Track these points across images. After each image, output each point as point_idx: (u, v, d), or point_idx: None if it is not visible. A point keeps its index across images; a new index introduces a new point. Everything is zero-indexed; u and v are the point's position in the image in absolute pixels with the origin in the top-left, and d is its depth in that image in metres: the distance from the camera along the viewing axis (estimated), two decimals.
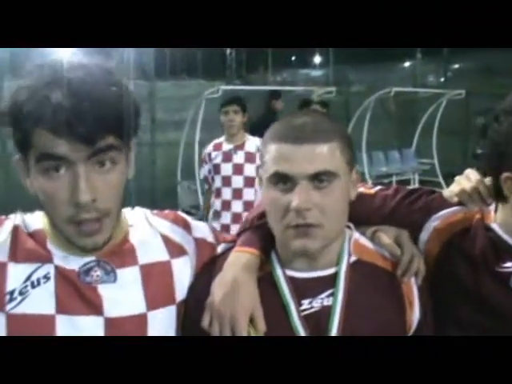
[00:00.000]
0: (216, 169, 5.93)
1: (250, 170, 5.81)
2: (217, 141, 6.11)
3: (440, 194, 1.72)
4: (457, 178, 1.70)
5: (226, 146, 5.95)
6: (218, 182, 5.92)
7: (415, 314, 1.55)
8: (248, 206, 5.69)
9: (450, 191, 1.68)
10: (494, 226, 1.62)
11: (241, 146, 5.90)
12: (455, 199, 1.66)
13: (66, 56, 1.34)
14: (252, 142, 5.84)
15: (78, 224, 1.32)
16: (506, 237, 1.59)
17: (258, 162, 5.27)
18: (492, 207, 1.65)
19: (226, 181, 5.86)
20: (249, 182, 5.78)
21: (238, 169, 5.84)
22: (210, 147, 6.09)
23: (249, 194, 5.81)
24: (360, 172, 1.53)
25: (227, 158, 5.89)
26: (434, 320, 1.60)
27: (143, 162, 10.42)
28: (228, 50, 16.73)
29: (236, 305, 1.40)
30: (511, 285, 1.56)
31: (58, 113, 1.23)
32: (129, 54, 8.64)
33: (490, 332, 1.50)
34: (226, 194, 5.80)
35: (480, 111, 8.25)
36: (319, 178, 1.39)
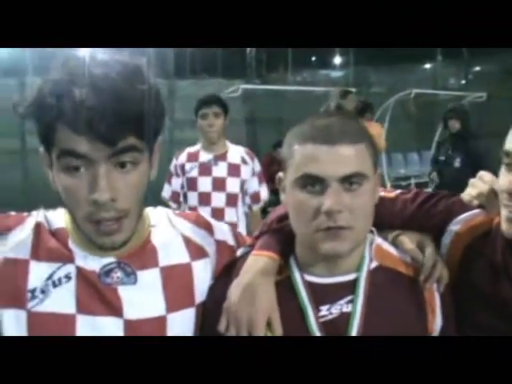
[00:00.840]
0: (191, 184, 4.79)
1: (233, 185, 4.73)
2: (191, 149, 4.92)
3: (459, 198, 1.71)
4: (471, 181, 1.69)
5: (205, 156, 4.80)
6: (193, 200, 4.79)
7: (437, 321, 1.54)
8: None
9: (467, 195, 1.68)
10: None
11: (222, 156, 4.78)
12: (475, 202, 1.65)
13: (94, 51, 1.33)
14: (235, 152, 4.81)
15: (96, 223, 1.32)
16: None
17: (243, 175, 4.72)
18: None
19: (205, 198, 4.74)
20: (231, 200, 4.77)
21: (219, 184, 4.71)
22: (182, 157, 4.89)
23: (230, 215, 4.76)
24: (380, 174, 1.52)
25: (206, 170, 4.76)
26: (457, 326, 1.58)
27: (161, 160, 10.42)
28: (248, 50, 16.72)
29: (253, 308, 1.40)
30: None
31: (79, 109, 1.23)
32: (149, 52, 8.67)
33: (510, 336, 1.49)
34: (204, 214, 4.55)
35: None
36: (350, 181, 1.37)
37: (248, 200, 4.94)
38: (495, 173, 1.65)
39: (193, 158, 4.81)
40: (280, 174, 1.49)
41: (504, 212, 1.50)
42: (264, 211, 4.86)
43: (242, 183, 4.79)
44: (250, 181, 4.83)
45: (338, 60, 20.35)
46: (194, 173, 4.77)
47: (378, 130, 9.04)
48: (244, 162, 4.79)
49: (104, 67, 1.28)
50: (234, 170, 4.72)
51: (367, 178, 1.40)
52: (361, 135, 1.42)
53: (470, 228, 1.66)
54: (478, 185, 1.65)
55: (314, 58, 20.68)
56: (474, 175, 1.71)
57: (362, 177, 1.39)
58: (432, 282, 1.53)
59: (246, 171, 4.78)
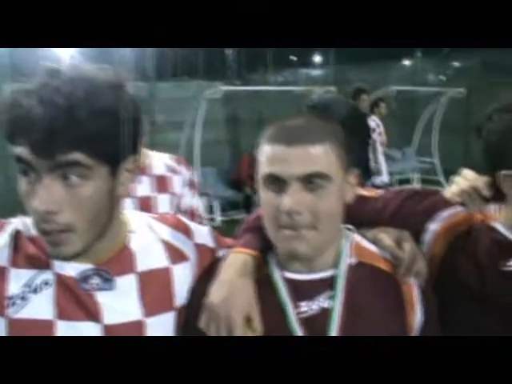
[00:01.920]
0: None
1: (164, 203, 3.42)
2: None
3: (441, 196, 1.72)
4: (455, 179, 1.70)
5: None
6: None
7: (417, 317, 1.54)
8: None
9: (450, 192, 1.69)
10: (498, 226, 1.62)
11: (144, 170, 3.45)
12: (457, 199, 1.66)
13: (71, 65, 1.32)
14: (159, 161, 3.46)
15: (43, 233, 1.32)
16: (510, 235, 1.59)
17: (174, 188, 3.37)
18: (493, 207, 1.65)
19: None
20: None
21: (144, 205, 3.31)
22: None
23: None
24: (357, 173, 1.52)
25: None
26: (440, 321, 1.59)
27: None
28: (228, 51, 16.70)
29: (231, 306, 1.40)
30: None
31: (21, 118, 1.22)
32: (129, 54, 8.65)
33: (495, 332, 1.50)
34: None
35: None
36: (311, 180, 1.38)
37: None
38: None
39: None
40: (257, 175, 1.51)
41: None
42: None
43: (174, 198, 3.45)
44: (183, 193, 3.48)
45: (318, 59, 20.43)
46: None
47: None
48: (172, 171, 3.43)
49: (56, 77, 1.27)
50: (160, 185, 3.37)
51: (330, 178, 1.40)
52: (326, 135, 1.43)
53: (452, 225, 1.67)
54: (461, 182, 1.66)
55: (294, 58, 20.74)
56: None
57: (324, 177, 1.39)
58: (411, 277, 1.54)
59: (176, 183, 3.43)
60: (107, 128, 1.25)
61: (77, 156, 1.25)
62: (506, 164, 1.52)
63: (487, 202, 1.64)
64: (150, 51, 11.47)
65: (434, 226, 1.68)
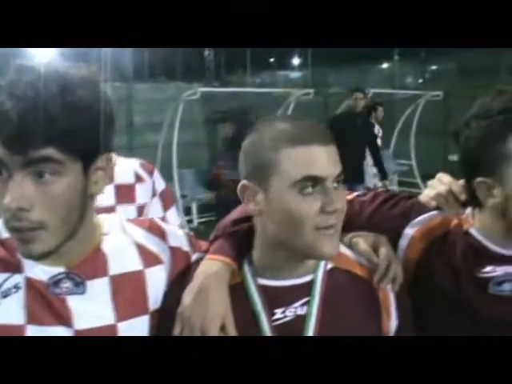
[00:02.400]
0: None
1: (128, 214, 2.79)
2: None
3: (417, 200, 1.72)
4: (430, 183, 1.70)
5: None
6: None
7: (392, 322, 1.54)
8: None
9: (425, 196, 1.68)
10: (473, 231, 1.62)
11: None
12: (432, 203, 1.66)
13: (46, 62, 1.30)
14: (127, 168, 2.88)
15: (13, 230, 1.28)
16: (484, 242, 1.59)
17: (140, 198, 2.86)
18: (469, 212, 1.66)
19: None
20: None
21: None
22: None
23: None
24: None
25: None
26: (415, 326, 1.59)
27: None
28: (206, 52, 16.68)
29: (206, 314, 1.38)
30: (490, 291, 1.56)
31: None
32: (106, 55, 8.61)
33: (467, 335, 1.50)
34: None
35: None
36: (338, 180, 1.39)
37: None
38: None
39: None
40: (244, 182, 1.43)
41: None
42: None
43: (140, 210, 2.98)
44: (151, 205, 2.96)
45: (296, 61, 20.48)
46: None
47: None
48: (138, 179, 2.92)
49: (29, 73, 1.25)
50: (125, 194, 2.85)
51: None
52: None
53: (428, 229, 1.66)
54: (436, 186, 1.66)
55: (272, 60, 20.78)
56: None
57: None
58: (386, 283, 1.53)
59: (143, 192, 2.92)
60: (80, 124, 1.24)
61: (49, 151, 1.22)
62: (482, 171, 1.51)
63: (464, 206, 1.64)
64: (127, 52, 11.43)
65: (410, 231, 1.68)
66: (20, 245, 1.31)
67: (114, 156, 2.40)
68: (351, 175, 1.65)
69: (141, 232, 1.55)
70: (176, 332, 1.39)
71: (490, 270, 1.56)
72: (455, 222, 1.66)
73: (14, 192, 1.23)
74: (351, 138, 7.64)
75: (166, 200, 2.91)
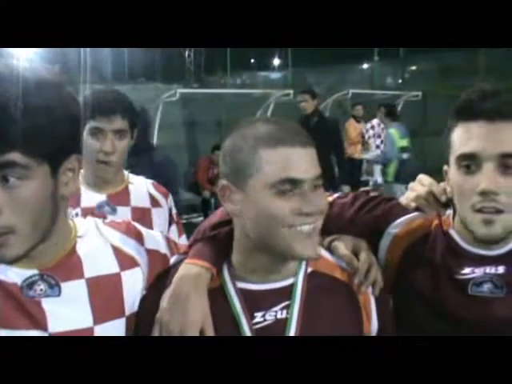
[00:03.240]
0: None
1: None
2: None
3: (398, 201, 1.72)
4: (410, 185, 1.70)
5: (91, 198, 2.58)
6: None
7: (373, 325, 1.53)
8: None
9: (406, 198, 1.68)
10: (452, 232, 1.62)
11: (122, 197, 2.64)
12: (412, 205, 1.66)
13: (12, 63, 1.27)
14: (140, 187, 2.68)
15: None
16: (462, 243, 1.59)
17: (156, 222, 2.64)
18: (450, 212, 1.66)
19: None
20: None
21: None
22: None
23: None
24: None
25: None
26: (396, 327, 1.59)
27: None
28: (186, 53, 16.68)
29: (185, 319, 1.36)
30: (469, 292, 1.56)
31: None
32: (86, 56, 8.57)
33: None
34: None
35: None
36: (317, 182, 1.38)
37: None
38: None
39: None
40: (223, 181, 1.43)
41: (479, 216, 1.49)
42: None
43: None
44: (169, 232, 2.73)
45: (276, 62, 20.52)
46: None
47: None
48: (154, 202, 2.69)
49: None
50: (142, 218, 2.50)
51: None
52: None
53: (408, 231, 1.66)
54: (417, 188, 1.66)
55: (252, 60, 20.80)
56: None
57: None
58: (366, 287, 1.52)
59: (158, 218, 2.70)
60: (43, 126, 1.21)
61: (12, 156, 1.20)
62: (447, 160, 1.54)
63: (445, 207, 1.64)
64: (107, 53, 11.39)
65: (391, 231, 1.67)
66: None
67: (126, 174, 2.73)
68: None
69: (117, 234, 1.53)
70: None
71: (469, 272, 1.56)
72: (436, 222, 1.66)
73: None
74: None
75: (179, 224, 2.85)
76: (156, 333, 1.38)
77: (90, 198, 2.55)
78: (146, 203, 2.63)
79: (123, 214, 2.54)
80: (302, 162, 1.35)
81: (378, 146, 11.08)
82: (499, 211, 1.45)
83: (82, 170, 2.03)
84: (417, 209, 1.66)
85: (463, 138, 1.49)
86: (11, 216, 1.24)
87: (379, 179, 10.02)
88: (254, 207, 1.38)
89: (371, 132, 11.45)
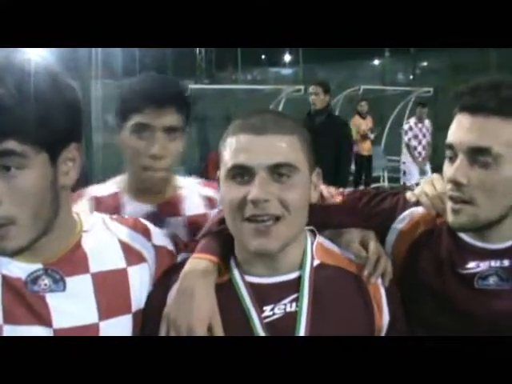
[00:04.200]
0: None
1: None
2: (101, 191, 2.05)
3: (404, 195, 1.71)
4: (422, 182, 1.70)
5: (136, 208, 2.00)
6: None
7: (384, 317, 1.51)
8: None
9: (413, 194, 1.67)
10: None
11: (172, 205, 2.08)
12: (413, 199, 1.65)
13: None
14: (192, 191, 2.14)
15: None
16: (467, 237, 1.59)
17: None
18: None
19: None
20: None
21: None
22: (84, 206, 1.95)
23: None
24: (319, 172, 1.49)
25: None
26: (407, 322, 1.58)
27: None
28: (197, 49, 16.69)
29: (193, 314, 1.36)
30: (475, 285, 1.56)
31: None
32: (96, 52, 8.57)
33: (455, 333, 1.50)
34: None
35: None
36: (279, 171, 1.33)
37: None
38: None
39: (110, 209, 1.86)
40: (218, 172, 1.42)
41: (449, 204, 1.51)
42: None
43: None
44: None
45: (287, 58, 20.50)
46: None
47: None
48: (208, 203, 2.15)
49: None
50: (200, 228, 1.78)
51: (298, 169, 1.36)
52: (294, 128, 1.40)
53: (413, 225, 1.66)
54: (427, 189, 1.65)
55: (263, 57, 20.78)
56: None
57: (291, 168, 1.35)
58: (376, 277, 1.51)
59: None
60: (38, 114, 1.21)
61: (10, 144, 1.19)
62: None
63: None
64: (118, 49, 11.39)
65: (397, 226, 1.67)
66: None
67: (180, 178, 2.15)
68: (324, 180, 1.56)
69: (124, 229, 1.53)
70: (162, 333, 1.36)
71: (475, 266, 1.56)
72: (440, 217, 1.66)
73: None
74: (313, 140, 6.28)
75: None
76: (163, 329, 1.37)
77: (135, 209, 1.97)
78: (201, 209, 2.10)
79: (176, 226, 2.01)
80: (253, 148, 1.33)
81: (415, 148, 10.93)
82: (465, 202, 1.47)
83: (124, 177, 2.02)
84: (418, 203, 1.66)
85: (453, 128, 1.51)
86: (11, 206, 1.23)
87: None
88: (220, 196, 1.40)
89: (410, 134, 11.18)
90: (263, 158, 1.31)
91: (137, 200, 1.98)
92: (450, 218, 1.50)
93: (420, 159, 10.79)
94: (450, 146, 1.48)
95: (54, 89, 1.25)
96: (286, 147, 1.34)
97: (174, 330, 1.35)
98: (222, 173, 1.38)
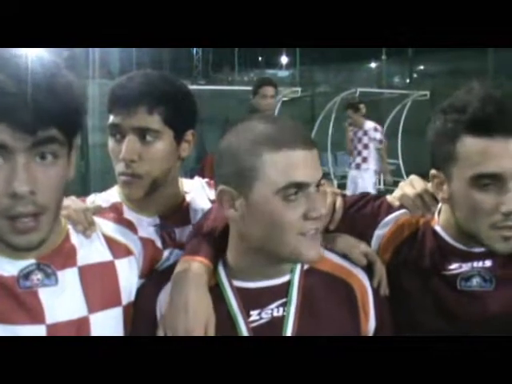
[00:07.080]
0: None
1: None
2: (107, 199, 1.78)
3: (385, 200, 1.71)
4: (401, 184, 1.68)
5: (140, 220, 1.65)
6: None
7: (370, 323, 1.50)
8: None
9: (393, 197, 1.67)
10: (438, 229, 1.62)
11: (179, 216, 1.79)
12: (396, 203, 1.64)
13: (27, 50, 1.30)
14: (201, 196, 1.87)
15: (12, 219, 1.23)
16: (448, 239, 1.59)
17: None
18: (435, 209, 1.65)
19: None
20: None
21: None
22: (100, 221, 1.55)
23: None
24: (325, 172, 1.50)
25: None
26: (394, 328, 1.58)
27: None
28: (194, 50, 16.71)
29: (189, 318, 1.35)
30: (458, 287, 1.56)
31: (1, 97, 1.18)
32: (94, 52, 8.59)
33: (441, 334, 1.50)
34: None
35: None
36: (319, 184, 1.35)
37: None
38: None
39: (122, 222, 1.59)
40: (222, 187, 1.35)
41: (496, 233, 1.48)
42: None
43: None
44: None
45: (284, 60, 20.55)
46: None
47: None
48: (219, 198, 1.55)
49: (26, 59, 1.24)
50: None
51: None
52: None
53: (396, 230, 1.64)
54: (407, 189, 1.65)
55: (260, 58, 20.83)
56: None
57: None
58: (384, 288, 1.51)
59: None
60: (69, 104, 1.23)
61: (54, 132, 1.21)
62: (435, 164, 1.52)
63: (429, 210, 1.63)
64: (115, 49, 11.41)
65: (380, 232, 1.66)
66: (15, 235, 1.25)
67: (185, 180, 1.93)
68: None
69: (108, 223, 1.53)
70: (159, 335, 1.35)
71: (457, 267, 1.56)
72: (423, 219, 1.65)
73: (21, 176, 1.20)
74: None
75: None
76: (161, 330, 1.36)
77: (137, 222, 1.64)
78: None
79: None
80: (306, 164, 1.31)
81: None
82: None
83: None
84: (401, 206, 1.65)
85: (479, 155, 1.44)
86: (46, 195, 1.24)
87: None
88: (260, 213, 1.33)
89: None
90: (317, 173, 1.33)
91: (137, 212, 1.74)
92: (501, 245, 1.46)
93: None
94: (493, 176, 1.42)
95: (75, 84, 1.30)
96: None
97: (171, 333, 1.34)
98: (265, 191, 1.31)
